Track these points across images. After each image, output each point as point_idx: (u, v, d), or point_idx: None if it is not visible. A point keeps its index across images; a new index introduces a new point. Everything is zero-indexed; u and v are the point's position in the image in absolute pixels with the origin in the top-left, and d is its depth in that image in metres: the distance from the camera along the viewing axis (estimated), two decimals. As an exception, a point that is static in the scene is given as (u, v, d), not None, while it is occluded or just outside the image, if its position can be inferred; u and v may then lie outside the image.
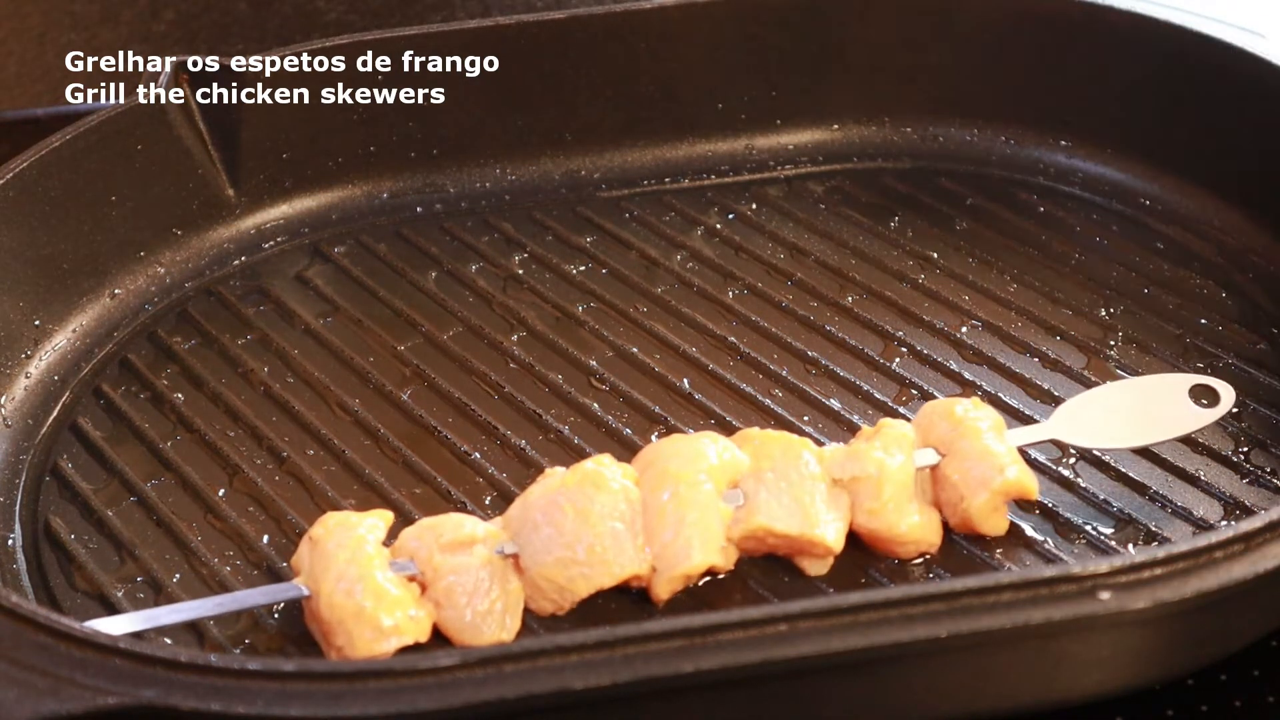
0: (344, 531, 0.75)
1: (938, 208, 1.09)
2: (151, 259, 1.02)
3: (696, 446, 0.79)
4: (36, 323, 0.95)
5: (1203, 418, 0.84)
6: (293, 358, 0.95)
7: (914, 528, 0.79)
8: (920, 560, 0.80)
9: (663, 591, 0.77)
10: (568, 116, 1.11)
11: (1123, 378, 0.92)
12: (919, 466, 0.80)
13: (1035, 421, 0.88)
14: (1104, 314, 0.98)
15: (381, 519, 0.77)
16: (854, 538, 0.80)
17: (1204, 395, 0.85)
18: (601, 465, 0.78)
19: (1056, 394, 0.91)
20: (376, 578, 0.74)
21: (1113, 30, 1.07)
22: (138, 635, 0.73)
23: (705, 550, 0.76)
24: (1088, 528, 0.82)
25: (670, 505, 0.77)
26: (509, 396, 0.92)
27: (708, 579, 0.79)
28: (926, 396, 0.90)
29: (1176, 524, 0.82)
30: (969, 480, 0.79)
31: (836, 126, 1.15)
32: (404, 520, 0.80)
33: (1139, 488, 0.84)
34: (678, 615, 0.71)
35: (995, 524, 0.80)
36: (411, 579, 0.75)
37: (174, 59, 1.03)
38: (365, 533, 0.75)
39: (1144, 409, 0.84)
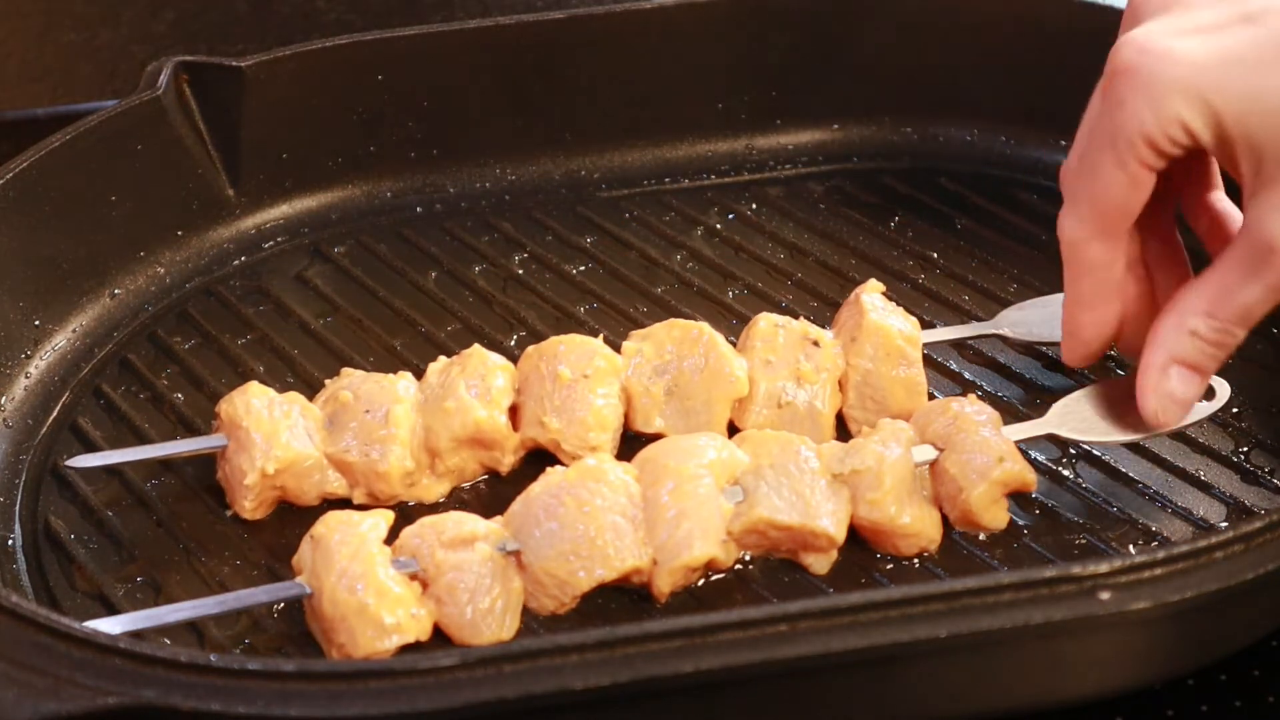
0: (346, 529, 0.75)
1: (938, 208, 1.09)
2: (151, 259, 1.02)
3: (695, 444, 0.79)
4: (36, 323, 0.95)
5: (1198, 411, 0.84)
6: (293, 358, 0.95)
7: (915, 519, 0.79)
8: (920, 559, 0.80)
9: (664, 585, 0.77)
10: (568, 116, 1.11)
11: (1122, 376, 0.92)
12: (918, 462, 0.81)
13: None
14: (1104, 314, 0.97)
15: (383, 518, 0.77)
16: (856, 537, 0.80)
17: None
18: (602, 462, 0.79)
19: (1057, 394, 0.90)
20: (379, 575, 0.74)
21: (1113, 30, 1.07)
22: (138, 635, 0.73)
23: (706, 541, 0.76)
24: (1088, 528, 0.82)
25: (670, 499, 0.77)
26: (509, 396, 0.92)
27: (708, 579, 0.79)
28: (927, 396, 0.90)
29: (1176, 524, 0.82)
30: (967, 472, 0.80)
31: (836, 126, 1.15)
32: (405, 520, 0.80)
33: (1139, 487, 0.84)
34: (678, 615, 0.71)
35: (995, 516, 0.81)
36: (413, 577, 0.75)
37: (174, 59, 1.03)
38: (367, 531, 0.76)
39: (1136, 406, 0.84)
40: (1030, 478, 0.81)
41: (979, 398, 0.85)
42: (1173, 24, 0.78)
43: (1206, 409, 0.84)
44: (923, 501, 0.81)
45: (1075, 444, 0.86)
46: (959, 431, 0.81)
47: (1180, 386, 0.80)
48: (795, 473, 0.79)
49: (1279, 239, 0.76)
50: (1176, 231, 0.86)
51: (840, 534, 0.79)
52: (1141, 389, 0.81)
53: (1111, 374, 0.92)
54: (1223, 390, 0.84)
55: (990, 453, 0.80)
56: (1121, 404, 0.85)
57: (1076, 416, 0.84)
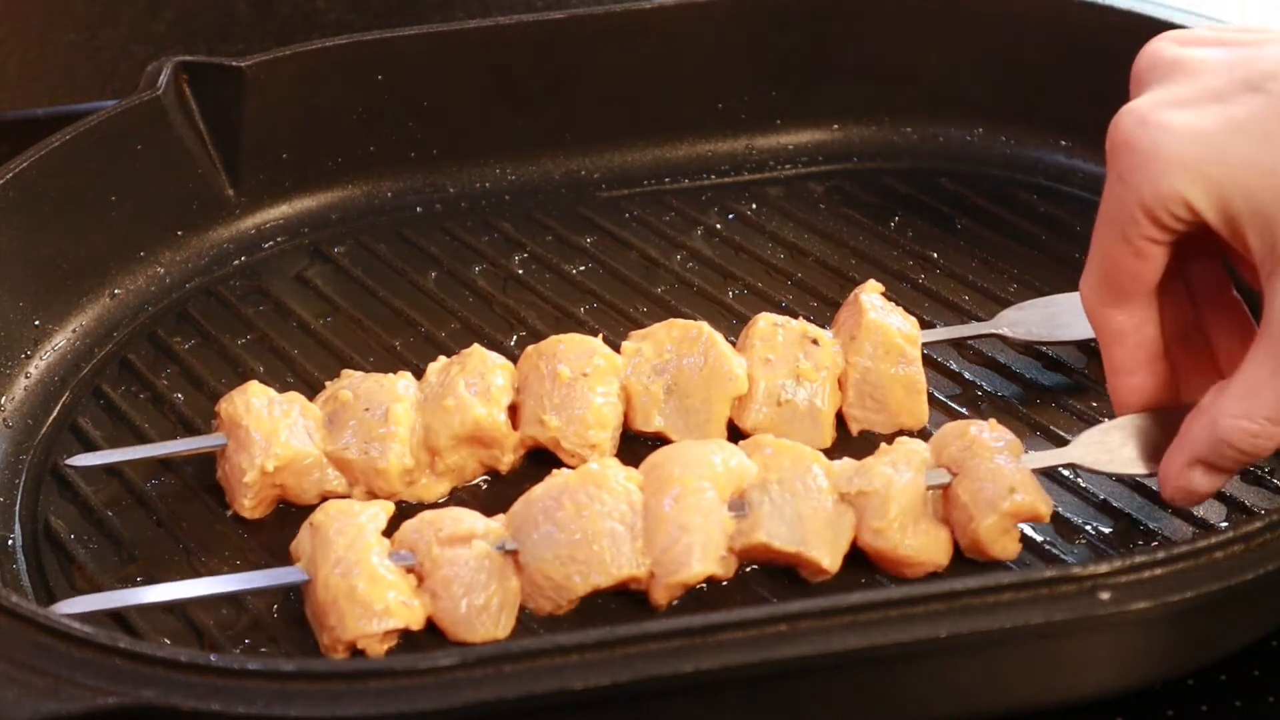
0: (345, 518, 0.76)
1: (938, 208, 1.09)
2: (151, 259, 1.02)
3: (703, 453, 0.79)
4: (36, 323, 0.95)
5: None
6: (293, 358, 0.95)
7: (918, 550, 0.78)
8: (921, 561, 0.80)
9: (661, 598, 0.76)
10: (568, 116, 1.11)
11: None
12: (930, 485, 0.79)
13: (1036, 421, 0.88)
14: (1104, 314, 0.97)
15: (383, 509, 0.77)
16: (861, 554, 0.79)
17: None
18: (606, 467, 0.78)
19: (1056, 394, 0.91)
20: (372, 561, 0.74)
21: (1113, 31, 1.07)
22: (129, 627, 0.73)
23: (705, 560, 0.76)
24: (1088, 528, 0.82)
25: (672, 511, 0.76)
26: (509, 396, 0.92)
27: (707, 582, 0.79)
28: (926, 395, 0.90)
29: (1176, 524, 0.82)
30: (978, 501, 0.78)
31: (836, 126, 1.15)
32: (405, 518, 0.80)
33: (1139, 488, 0.84)
34: (678, 615, 0.71)
35: (1005, 547, 0.78)
36: (410, 570, 0.75)
37: (174, 59, 1.03)
38: (366, 521, 0.76)
39: (1167, 437, 0.80)
40: (1044, 510, 0.78)
41: (979, 397, 0.85)
42: (1174, 93, 0.75)
43: None
44: (931, 527, 0.79)
45: (1095, 473, 0.83)
46: (973, 457, 0.79)
47: (1202, 483, 0.77)
48: (802, 490, 0.78)
49: None
50: (1232, 289, 0.82)
51: (835, 566, 0.78)
52: (1162, 476, 0.78)
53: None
54: None
55: (1002, 483, 0.78)
56: (1149, 435, 0.81)
57: (1100, 447, 0.81)
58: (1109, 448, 0.81)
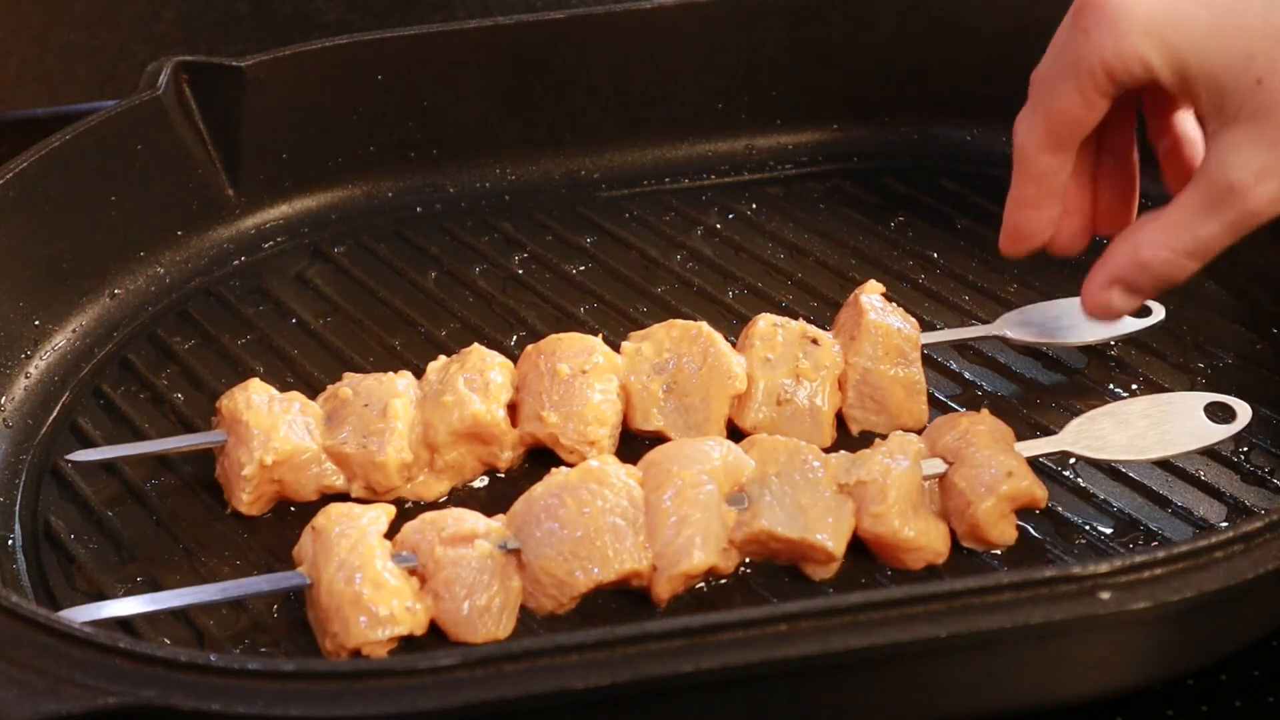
0: (347, 521, 0.76)
1: (938, 208, 1.09)
2: (151, 259, 1.02)
3: (701, 449, 0.79)
4: (36, 323, 0.95)
5: (1217, 433, 0.83)
6: (293, 358, 0.95)
7: (920, 533, 0.78)
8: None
9: (663, 592, 0.77)
10: (568, 116, 1.11)
11: (1123, 378, 0.92)
12: (926, 475, 0.80)
13: (1036, 420, 0.88)
14: (1104, 314, 0.97)
15: (384, 512, 0.77)
16: (863, 547, 0.80)
17: (1219, 410, 0.84)
18: (605, 464, 0.79)
19: (1056, 394, 0.91)
20: (376, 566, 0.74)
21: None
22: (132, 630, 0.73)
23: (706, 550, 0.76)
24: (1088, 528, 0.82)
25: (672, 505, 0.77)
26: (509, 396, 0.92)
27: (708, 581, 0.79)
28: (926, 396, 0.90)
29: (1176, 524, 0.82)
30: (975, 486, 0.79)
31: (836, 126, 1.15)
32: (406, 518, 0.80)
33: (1139, 488, 0.84)
34: (678, 615, 0.71)
35: (1003, 532, 0.79)
36: (412, 572, 0.75)
37: (174, 59, 1.03)
38: (368, 524, 0.76)
39: (1158, 424, 0.83)
40: (1040, 494, 0.80)
41: (979, 397, 0.85)
42: None
43: (1225, 431, 0.83)
44: (929, 516, 0.80)
45: (1088, 460, 0.85)
46: (969, 445, 0.80)
47: (1119, 301, 0.85)
48: (800, 482, 0.79)
49: (1238, 178, 0.78)
50: (1134, 151, 0.88)
51: (839, 549, 0.78)
52: (1085, 294, 0.85)
53: (1115, 377, 0.92)
54: (1243, 413, 0.84)
55: (999, 467, 0.79)
56: (1140, 422, 0.83)
57: (1090, 434, 0.83)
58: (1099, 435, 0.83)
